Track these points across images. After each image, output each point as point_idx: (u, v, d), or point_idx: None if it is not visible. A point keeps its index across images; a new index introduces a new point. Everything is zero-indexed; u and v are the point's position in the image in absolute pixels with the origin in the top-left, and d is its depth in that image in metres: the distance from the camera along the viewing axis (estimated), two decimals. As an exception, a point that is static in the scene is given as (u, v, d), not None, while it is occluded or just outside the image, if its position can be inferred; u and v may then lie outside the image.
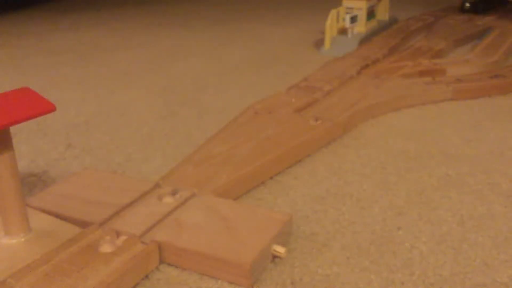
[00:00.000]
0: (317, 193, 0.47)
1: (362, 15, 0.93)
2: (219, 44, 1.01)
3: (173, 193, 0.42)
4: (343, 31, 0.93)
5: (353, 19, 0.91)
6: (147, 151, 0.56)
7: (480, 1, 1.06)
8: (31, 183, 0.49)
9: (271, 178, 0.49)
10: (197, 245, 0.36)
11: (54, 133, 0.61)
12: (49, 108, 0.35)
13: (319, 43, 0.96)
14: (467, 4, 1.04)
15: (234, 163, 0.47)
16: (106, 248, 0.36)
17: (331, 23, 0.90)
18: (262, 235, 0.37)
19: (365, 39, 0.92)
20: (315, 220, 0.42)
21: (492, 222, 0.42)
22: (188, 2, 1.47)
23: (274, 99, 0.64)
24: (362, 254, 0.38)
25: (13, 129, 0.35)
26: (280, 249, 0.37)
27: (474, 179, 0.48)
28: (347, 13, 0.92)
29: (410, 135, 0.58)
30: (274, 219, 0.39)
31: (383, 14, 1.03)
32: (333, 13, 0.91)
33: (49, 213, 0.40)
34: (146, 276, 0.36)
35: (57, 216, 0.40)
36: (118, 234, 0.37)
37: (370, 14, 0.97)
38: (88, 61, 0.91)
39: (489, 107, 0.65)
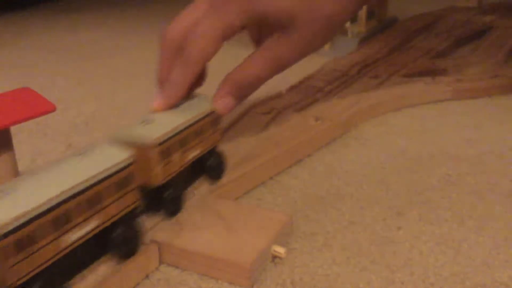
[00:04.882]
0: (317, 193, 0.47)
1: (362, 15, 0.93)
2: (219, 44, 1.01)
3: (173, 193, 0.42)
4: (343, 31, 0.93)
5: (353, 19, 0.91)
6: (147, 151, 0.56)
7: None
8: (31, 183, 0.49)
9: (271, 178, 0.49)
10: (197, 245, 0.36)
11: (54, 133, 0.61)
12: (49, 108, 0.35)
13: (319, 43, 0.96)
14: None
15: (234, 163, 0.47)
16: (106, 248, 0.36)
17: (331, 23, 0.90)
18: (262, 235, 0.37)
19: (365, 39, 0.92)
20: (315, 220, 0.42)
21: (492, 222, 0.42)
22: (187, 2, 1.47)
23: (274, 99, 0.64)
24: (362, 254, 0.38)
25: (13, 129, 0.35)
26: (280, 249, 0.37)
27: (474, 179, 0.48)
28: (347, 13, 0.92)
29: (410, 135, 0.58)
30: (274, 219, 0.39)
31: (383, 14, 1.03)
32: (333, 13, 0.90)
33: (49, 213, 0.40)
34: (146, 276, 0.36)
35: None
36: (118, 234, 0.37)
37: (370, 14, 0.96)
38: (88, 61, 0.91)
39: (489, 107, 0.65)
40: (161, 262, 0.37)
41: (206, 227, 0.38)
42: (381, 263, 0.37)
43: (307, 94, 0.64)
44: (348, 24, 0.90)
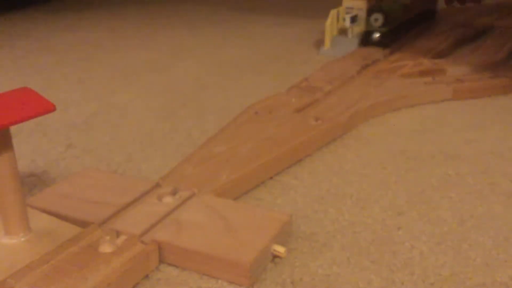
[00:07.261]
0: (317, 193, 0.47)
1: (362, 15, 0.93)
2: (219, 44, 1.01)
3: (173, 193, 0.42)
4: (343, 31, 0.93)
5: (353, 19, 0.91)
6: (147, 151, 0.56)
7: (391, 32, 0.88)
8: (31, 183, 0.49)
9: (271, 178, 0.49)
10: (197, 245, 0.36)
11: (54, 133, 0.61)
12: (49, 108, 0.35)
13: (319, 43, 0.96)
14: (376, 35, 0.86)
15: (234, 163, 0.47)
16: (106, 248, 0.36)
17: (331, 23, 0.90)
18: (262, 235, 0.37)
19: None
20: (315, 220, 0.42)
21: (492, 222, 0.42)
22: (188, 2, 1.46)
23: (274, 99, 0.64)
24: (362, 254, 0.38)
25: (13, 129, 0.35)
26: (280, 249, 0.37)
27: (474, 179, 0.48)
28: (347, 13, 0.92)
29: (410, 135, 0.58)
30: (274, 219, 0.39)
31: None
32: (333, 13, 0.91)
33: (49, 213, 0.40)
34: (146, 276, 0.36)
35: (57, 216, 0.40)
36: (118, 234, 0.38)
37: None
38: (88, 61, 0.91)
39: (489, 107, 0.65)
40: (161, 261, 0.37)
41: (206, 227, 0.38)
42: (381, 263, 0.37)
43: (307, 94, 0.64)
44: (348, 24, 0.90)
